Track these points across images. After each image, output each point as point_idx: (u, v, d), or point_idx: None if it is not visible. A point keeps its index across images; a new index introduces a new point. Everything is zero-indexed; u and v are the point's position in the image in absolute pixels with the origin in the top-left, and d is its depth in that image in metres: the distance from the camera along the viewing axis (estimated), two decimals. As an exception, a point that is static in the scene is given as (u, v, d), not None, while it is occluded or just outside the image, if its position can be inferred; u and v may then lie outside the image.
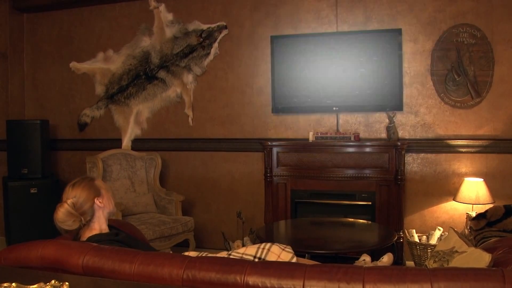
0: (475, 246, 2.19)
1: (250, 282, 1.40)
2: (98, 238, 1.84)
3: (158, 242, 3.54)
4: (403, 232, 3.59)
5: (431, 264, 1.96)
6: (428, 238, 3.51)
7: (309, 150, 3.77)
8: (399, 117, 3.80)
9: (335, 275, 1.36)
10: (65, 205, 1.82)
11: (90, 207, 1.89)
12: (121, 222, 2.42)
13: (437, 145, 3.74)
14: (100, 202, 1.91)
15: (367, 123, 3.91)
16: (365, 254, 2.42)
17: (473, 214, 3.20)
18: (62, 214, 1.81)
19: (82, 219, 1.85)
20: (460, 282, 1.28)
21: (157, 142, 4.49)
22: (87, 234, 1.88)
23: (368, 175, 3.63)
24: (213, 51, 4.28)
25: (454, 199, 3.56)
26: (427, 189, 3.77)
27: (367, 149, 3.65)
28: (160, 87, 4.45)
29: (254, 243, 3.81)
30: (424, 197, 3.77)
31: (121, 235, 1.96)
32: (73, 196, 1.85)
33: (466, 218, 3.39)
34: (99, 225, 1.92)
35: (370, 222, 3.46)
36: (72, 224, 1.83)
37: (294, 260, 1.76)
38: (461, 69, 3.65)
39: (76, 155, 4.75)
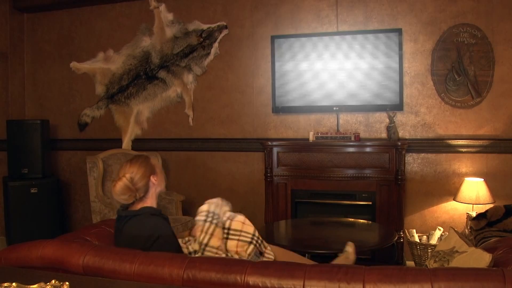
0: (476, 246, 2.19)
1: (250, 282, 1.40)
2: (153, 211, 1.97)
3: (158, 242, 3.54)
4: (404, 232, 3.59)
5: (431, 264, 1.96)
6: (428, 238, 3.51)
7: (309, 150, 3.77)
8: (399, 117, 3.80)
9: (335, 275, 1.36)
10: (124, 180, 1.92)
11: (145, 184, 1.97)
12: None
13: (438, 145, 3.74)
14: (155, 180, 2.02)
15: (367, 123, 3.91)
16: (349, 243, 2.33)
17: (474, 214, 3.20)
18: (120, 188, 1.91)
19: (137, 194, 1.95)
20: (461, 282, 1.28)
21: (157, 142, 4.49)
22: (139, 206, 1.97)
23: (368, 175, 3.63)
24: (213, 51, 4.28)
25: (454, 199, 3.56)
26: (428, 189, 3.77)
27: (368, 149, 3.65)
28: (161, 87, 4.45)
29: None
30: (424, 197, 3.77)
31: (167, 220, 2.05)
32: (130, 172, 1.94)
33: (466, 218, 3.39)
34: (151, 202, 2.04)
35: (370, 222, 3.45)
36: (127, 198, 1.94)
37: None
38: (462, 69, 3.65)
39: (76, 155, 4.75)
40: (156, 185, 2.04)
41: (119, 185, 1.91)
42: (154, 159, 2.10)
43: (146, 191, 2.00)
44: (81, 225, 4.64)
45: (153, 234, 1.89)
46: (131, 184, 1.93)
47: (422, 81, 3.77)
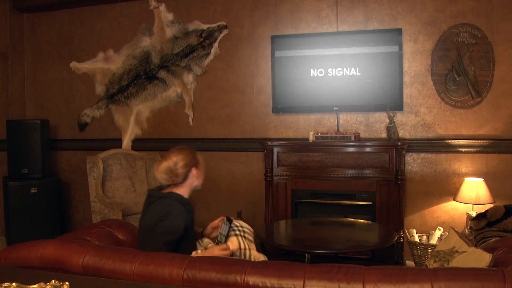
0: (476, 246, 2.19)
1: (250, 282, 1.40)
2: (180, 199, 2.08)
3: (158, 242, 3.54)
4: (404, 232, 3.59)
5: (431, 264, 1.96)
6: (428, 238, 3.51)
7: (309, 150, 3.76)
8: (399, 117, 3.80)
9: (335, 275, 1.36)
10: (169, 161, 2.07)
11: (186, 173, 2.11)
12: (121, 222, 2.42)
13: (438, 145, 3.74)
14: (195, 172, 2.14)
15: (367, 123, 3.91)
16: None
17: (474, 214, 3.20)
18: (164, 167, 2.07)
19: (175, 179, 2.09)
20: (461, 282, 1.28)
21: (157, 142, 4.49)
22: (175, 190, 2.10)
23: (368, 175, 3.63)
24: (213, 51, 4.28)
25: (454, 199, 3.56)
26: (428, 189, 3.77)
27: (367, 149, 3.65)
28: (161, 87, 4.45)
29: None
30: (424, 197, 3.77)
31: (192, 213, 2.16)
32: (176, 157, 2.08)
33: (466, 218, 3.38)
34: (184, 191, 2.14)
35: (370, 222, 3.45)
36: (167, 179, 2.09)
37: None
38: (462, 69, 3.65)
39: (76, 155, 4.75)
40: (195, 178, 2.16)
41: (164, 164, 2.07)
42: (201, 156, 2.22)
43: (184, 179, 2.12)
44: (81, 225, 4.64)
45: (162, 215, 1.99)
46: (174, 167, 2.07)
47: (422, 81, 3.77)
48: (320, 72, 3.91)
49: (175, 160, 2.09)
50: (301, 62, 3.95)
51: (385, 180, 3.59)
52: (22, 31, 4.86)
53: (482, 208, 3.23)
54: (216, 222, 2.32)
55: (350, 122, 3.94)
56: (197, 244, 2.28)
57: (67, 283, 1.10)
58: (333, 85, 3.88)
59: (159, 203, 2.07)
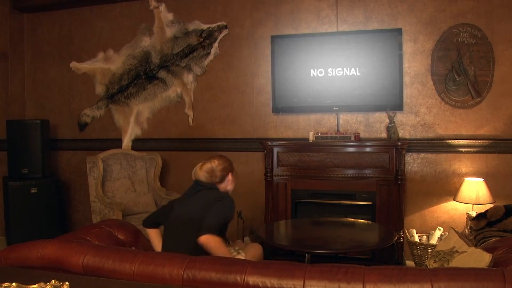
0: (476, 246, 2.19)
1: (250, 282, 1.40)
2: (224, 193, 2.40)
3: (158, 242, 3.54)
4: (403, 232, 3.59)
5: (431, 264, 1.96)
6: (428, 238, 3.51)
7: (309, 150, 3.76)
8: (399, 117, 3.80)
9: (335, 275, 1.36)
10: (212, 163, 2.43)
11: (223, 176, 2.45)
12: (121, 222, 2.42)
13: (438, 145, 3.74)
14: (231, 177, 2.49)
15: (367, 123, 3.91)
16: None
17: (474, 214, 3.20)
18: (207, 167, 2.43)
19: (214, 179, 2.42)
20: (461, 282, 1.28)
21: (157, 142, 4.49)
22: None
23: (368, 175, 3.63)
24: (213, 51, 4.28)
25: (454, 199, 3.56)
26: (428, 189, 3.77)
27: (367, 149, 3.65)
28: (161, 87, 4.45)
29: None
30: (424, 197, 3.77)
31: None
32: (218, 162, 2.45)
33: (466, 218, 3.38)
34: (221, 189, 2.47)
35: (370, 222, 3.45)
36: (207, 177, 2.41)
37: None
38: (462, 69, 3.65)
39: (76, 155, 4.75)
40: (229, 182, 2.49)
41: (207, 165, 2.43)
42: (235, 168, 2.57)
43: (221, 181, 2.45)
44: (81, 225, 4.64)
45: (220, 197, 2.33)
46: (215, 168, 2.42)
47: (422, 81, 3.77)
48: (320, 72, 3.91)
49: (216, 163, 2.44)
50: (301, 62, 3.95)
51: (385, 180, 3.59)
52: (22, 31, 4.86)
53: (482, 208, 3.23)
54: None
55: (350, 122, 3.94)
56: (231, 248, 2.45)
57: (67, 283, 1.10)
58: (333, 85, 3.88)
59: (209, 192, 2.38)
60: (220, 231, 2.26)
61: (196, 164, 4.56)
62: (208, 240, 2.13)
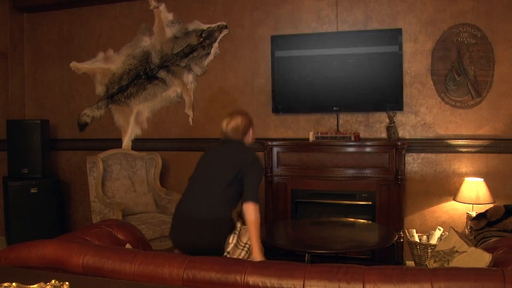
0: (476, 246, 2.19)
1: (250, 282, 1.40)
2: (257, 161, 2.61)
3: (159, 242, 3.54)
4: (403, 232, 3.59)
5: (431, 264, 1.96)
6: (428, 238, 3.51)
7: (309, 150, 3.76)
8: (399, 117, 3.80)
9: (335, 275, 1.36)
10: (237, 120, 2.69)
11: (246, 131, 2.72)
12: (121, 222, 2.42)
13: (438, 145, 3.74)
14: (251, 132, 2.78)
15: (367, 123, 3.91)
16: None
17: (474, 214, 3.20)
18: (233, 125, 2.68)
19: (238, 134, 2.68)
20: (461, 282, 1.28)
21: (157, 142, 4.49)
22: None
23: (368, 175, 3.63)
24: (213, 51, 4.28)
25: (454, 199, 3.56)
26: (428, 189, 3.77)
27: (367, 149, 3.65)
28: (161, 87, 4.45)
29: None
30: (424, 197, 3.77)
31: None
32: (242, 119, 2.70)
33: (466, 218, 3.39)
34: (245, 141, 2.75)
35: (370, 222, 3.45)
36: (233, 132, 2.68)
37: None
38: (462, 69, 3.65)
39: (76, 155, 4.75)
40: (250, 136, 2.77)
41: (233, 123, 2.69)
42: (253, 123, 2.82)
43: (243, 135, 2.71)
44: (81, 225, 4.64)
45: (256, 161, 2.60)
46: (240, 125, 2.68)
47: (422, 81, 3.77)
48: (320, 72, 3.90)
49: (240, 120, 2.70)
50: (301, 62, 3.95)
51: (385, 180, 3.59)
52: (22, 31, 4.86)
53: (482, 208, 3.24)
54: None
55: (350, 122, 3.94)
56: (235, 245, 2.49)
57: (67, 283, 1.10)
58: (333, 85, 3.88)
59: (240, 146, 2.69)
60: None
61: (195, 164, 4.57)
62: (253, 211, 2.44)
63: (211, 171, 2.61)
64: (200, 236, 2.42)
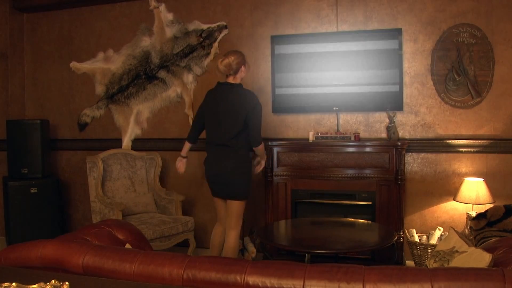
0: (476, 246, 2.19)
1: (250, 282, 1.40)
2: (244, 88, 3.17)
3: (158, 242, 3.54)
4: (403, 232, 3.59)
5: (431, 264, 1.96)
6: (428, 238, 3.51)
7: (309, 150, 3.76)
8: (399, 117, 3.80)
9: (335, 275, 1.36)
10: (229, 59, 3.08)
11: (238, 68, 3.10)
12: (121, 222, 2.42)
13: (437, 145, 3.74)
14: (244, 68, 3.15)
15: (367, 123, 3.91)
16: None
17: (473, 214, 3.20)
18: (225, 62, 3.07)
19: (231, 71, 3.09)
20: (461, 282, 1.28)
21: (157, 142, 4.49)
22: (231, 79, 3.13)
23: (368, 175, 3.63)
24: (213, 51, 4.28)
25: (454, 199, 3.56)
26: (427, 189, 3.77)
27: (367, 149, 3.65)
28: (160, 87, 4.45)
29: (254, 243, 3.82)
30: (424, 197, 3.77)
31: None
32: (233, 57, 3.08)
33: (466, 218, 3.39)
34: (236, 80, 3.15)
35: (370, 222, 3.45)
36: (226, 70, 3.09)
37: None
38: (461, 69, 3.65)
39: (76, 155, 4.75)
40: (242, 73, 3.15)
41: (226, 61, 3.07)
42: (248, 63, 3.22)
43: (236, 72, 3.11)
44: (81, 225, 4.64)
45: (256, 104, 3.09)
46: (232, 63, 3.07)
47: (422, 81, 3.77)
48: (320, 72, 3.91)
49: (232, 58, 3.07)
50: (301, 62, 3.95)
51: (385, 180, 3.59)
52: (22, 31, 4.86)
53: (482, 208, 3.23)
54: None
55: (350, 122, 3.94)
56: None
57: (67, 283, 1.10)
58: (333, 85, 3.88)
59: (243, 90, 3.13)
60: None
61: (195, 164, 4.59)
62: (262, 148, 3.26)
63: (222, 113, 3.12)
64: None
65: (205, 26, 4.29)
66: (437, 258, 1.94)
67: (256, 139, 3.14)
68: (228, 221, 3.19)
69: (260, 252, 3.81)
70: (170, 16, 4.38)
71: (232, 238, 3.16)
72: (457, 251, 1.87)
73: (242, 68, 3.14)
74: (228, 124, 3.09)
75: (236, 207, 3.16)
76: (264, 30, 4.12)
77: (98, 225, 2.20)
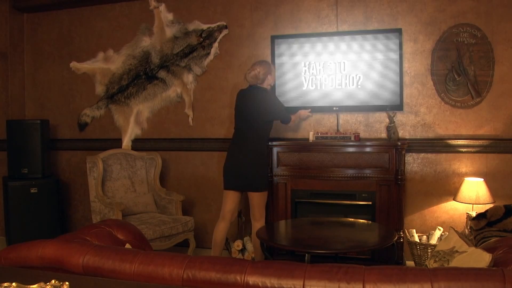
0: (476, 246, 2.19)
1: (250, 282, 1.40)
2: (264, 91, 3.48)
3: (158, 242, 3.54)
4: (403, 232, 3.59)
5: (431, 264, 1.96)
6: (428, 238, 3.51)
7: (309, 150, 3.76)
8: (399, 117, 3.80)
9: (335, 275, 1.36)
10: (256, 70, 3.41)
11: (264, 78, 3.44)
12: (121, 222, 2.42)
13: (437, 145, 3.74)
14: (270, 77, 3.48)
15: (367, 123, 3.91)
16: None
17: (473, 214, 3.20)
18: (253, 74, 3.41)
19: (258, 81, 3.43)
20: (461, 282, 1.28)
21: (157, 142, 4.49)
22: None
23: (368, 175, 3.63)
24: (213, 51, 4.28)
25: (454, 199, 3.56)
26: (427, 189, 3.77)
27: (367, 149, 3.65)
28: (160, 87, 4.45)
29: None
30: (424, 197, 3.77)
31: None
32: (259, 68, 3.42)
33: (466, 218, 3.39)
34: (264, 86, 3.48)
35: (370, 222, 3.45)
36: (253, 81, 3.43)
37: None
38: (461, 69, 3.65)
39: (76, 155, 4.75)
40: (268, 81, 3.47)
41: (253, 73, 3.41)
42: (273, 67, 3.60)
43: (263, 81, 3.44)
44: (81, 225, 4.64)
45: (264, 94, 3.43)
46: (258, 74, 3.40)
47: (422, 81, 3.77)
48: (320, 72, 3.91)
49: (258, 70, 3.40)
50: (301, 62, 3.95)
51: (385, 180, 3.59)
52: (22, 31, 4.87)
53: (482, 208, 3.23)
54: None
55: (350, 122, 3.94)
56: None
57: (67, 283, 1.10)
58: (333, 85, 3.88)
59: (262, 90, 3.45)
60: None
61: (195, 164, 4.60)
62: (294, 122, 3.75)
63: (248, 112, 3.44)
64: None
65: (205, 26, 4.29)
66: (437, 258, 1.94)
67: (283, 119, 3.57)
68: (252, 213, 3.48)
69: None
70: (170, 16, 4.38)
71: (257, 230, 3.22)
72: (457, 251, 1.87)
73: (268, 77, 3.45)
74: (248, 121, 3.42)
75: (257, 198, 3.42)
76: (264, 30, 4.12)
77: (98, 225, 2.20)
